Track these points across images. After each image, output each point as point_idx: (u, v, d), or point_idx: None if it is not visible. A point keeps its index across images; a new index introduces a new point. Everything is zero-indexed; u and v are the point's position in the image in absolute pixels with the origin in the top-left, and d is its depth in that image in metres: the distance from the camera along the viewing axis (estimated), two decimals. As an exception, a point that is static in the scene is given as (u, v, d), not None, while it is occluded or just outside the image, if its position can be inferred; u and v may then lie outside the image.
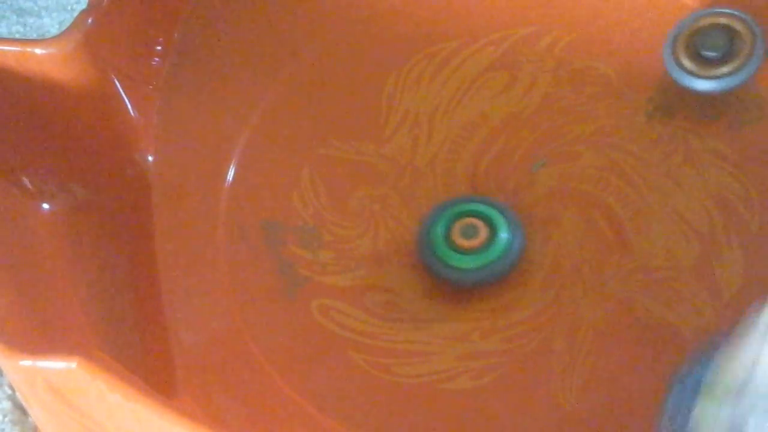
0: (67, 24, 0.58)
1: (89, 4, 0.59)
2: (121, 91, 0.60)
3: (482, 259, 0.56)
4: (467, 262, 0.56)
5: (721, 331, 0.53)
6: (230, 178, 0.60)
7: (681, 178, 0.58)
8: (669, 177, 0.58)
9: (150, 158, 0.60)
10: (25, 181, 0.58)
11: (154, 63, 0.61)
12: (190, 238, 0.59)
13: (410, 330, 0.56)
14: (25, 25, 0.75)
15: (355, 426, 0.54)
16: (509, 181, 0.59)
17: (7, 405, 0.58)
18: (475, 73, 0.62)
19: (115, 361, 0.47)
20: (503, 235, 0.57)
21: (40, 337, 0.50)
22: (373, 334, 0.56)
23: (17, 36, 0.74)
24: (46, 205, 0.58)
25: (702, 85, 0.57)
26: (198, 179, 0.61)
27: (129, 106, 0.60)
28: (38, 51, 0.56)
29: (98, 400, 0.46)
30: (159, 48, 0.62)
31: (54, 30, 0.73)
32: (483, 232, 0.57)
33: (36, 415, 0.53)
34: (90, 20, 0.58)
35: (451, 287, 0.57)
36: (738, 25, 0.57)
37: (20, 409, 0.58)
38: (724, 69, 0.57)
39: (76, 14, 0.59)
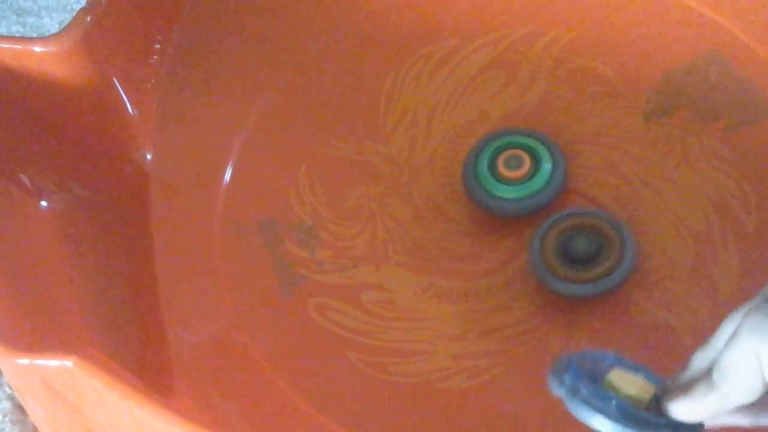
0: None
1: (88, 3, 0.59)
2: (119, 89, 0.60)
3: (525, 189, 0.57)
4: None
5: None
6: (228, 177, 0.60)
7: (678, 179, 0.58)
8: (666, 177, 0.58)
9: (148, 156, 0.61)
10: (24, 179, 0.58)
11: (152, 61, 0.61)
12: (188, 235, 0.59)
13: (407, 329, 0.56)
14: (24, 24, 0.75)
15: (352, 424, 0.54)
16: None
17: (7, 405, 0.58)
18: (474, 72, 0.62)
19: (111, 360, 0.47)
20: (546, 166, 0.57)
21: (38, 335, 0.50)
22: (370, 332, 0.56)
23: (17, 36, 0.74)
24: (44, 203, 0.58)
25: (574, 290, 0.55)
26: (196, 177, 0.61)
27: (127, 104, 0.60)
28: (37, 49, 0.57)
29: (95, 399, 0.46)
30: (157, 46, 0.62)
31: (54, 30, 0.73)
32: (527, 162, 0.57)
33: (33, 412, 0.53)
34: (89, 19, 0.58)
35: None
36: (606, 228, 0.56)
37: (20, 409, 0.58)
38: (596, 271, 0.55)
39: (75, 14, 0.59)
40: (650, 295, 0.55)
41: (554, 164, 0.57)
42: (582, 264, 0.55)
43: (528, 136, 0.58)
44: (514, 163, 0.57)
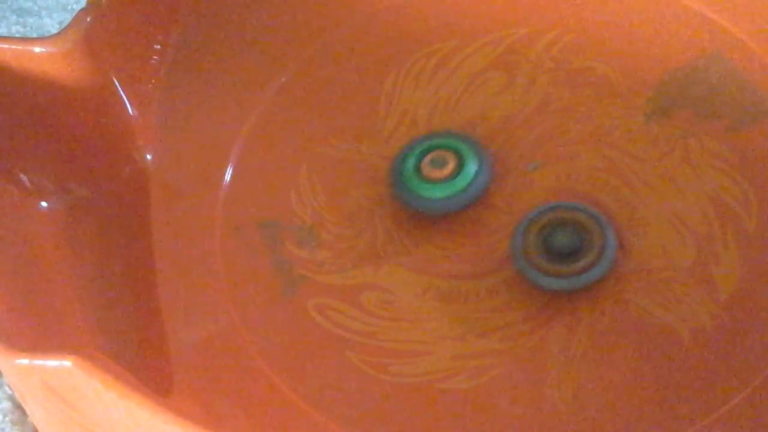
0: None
1: (88, 3, 0.59)
2: (119, 89, 0.60)
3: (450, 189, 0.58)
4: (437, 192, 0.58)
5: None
6: (228, 177, 0.60)
7: (678, 179, 0.58)
8: (666, 178, 0.58)
9: (148, 157, 0.61)
10: (24, 179, 0.58)
11: (152, 62, 0.62)
12: (188, 236, 0.59)
13: (407, 329, 0.56)
14: (25, 25, 0.75)
15: (351, 425, 0.54)
16: (507, 180, 0.59)
17: (7, 405, 0.58)
18: (474, 72, 0.62)
19: (111, 360, 0.47)
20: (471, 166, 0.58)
21: (36, 335, 0.50)
22: (370, 333, 0.56)
23: (17, 36, 0.74)
24: (44, 204, 0.58)
25: (554, 283, 0.55)
26: (196, 178, 0.61)
27: (127, 105, 0.60)
28: (36, 49, 0.57)
29: (94, 399, 0.46)
30: (158, 47, 0.62)
31: (54, 30, 0.73)
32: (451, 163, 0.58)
33: (33, 413, 0.53)
34: (89, 19, 0.58)
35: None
36: (585, 221, 0.56)
37: (20, 409, 0.58)
38: (577, 265, 0.56)
39: (76, 14, 0.59)
40: (650, 295, 0.55)
41: (480, 165, 0.58)
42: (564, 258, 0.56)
43: (452, 136, 0.59)
44: (439, 163, 0.58)
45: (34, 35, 0.74)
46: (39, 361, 0.46)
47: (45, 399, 0.48)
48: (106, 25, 0.58)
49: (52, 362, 0.45)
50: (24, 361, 0.46)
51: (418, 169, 0.58)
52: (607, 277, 0.55)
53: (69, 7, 0.75)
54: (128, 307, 0.57)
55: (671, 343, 0.54)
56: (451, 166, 0.58)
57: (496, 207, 0.59)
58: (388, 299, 0.57)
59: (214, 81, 0.62)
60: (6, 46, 0.56)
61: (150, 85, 0.61)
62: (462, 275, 0.57)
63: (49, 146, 0.59)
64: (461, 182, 0.58)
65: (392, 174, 0.59)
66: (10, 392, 0.59)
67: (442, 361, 0.55)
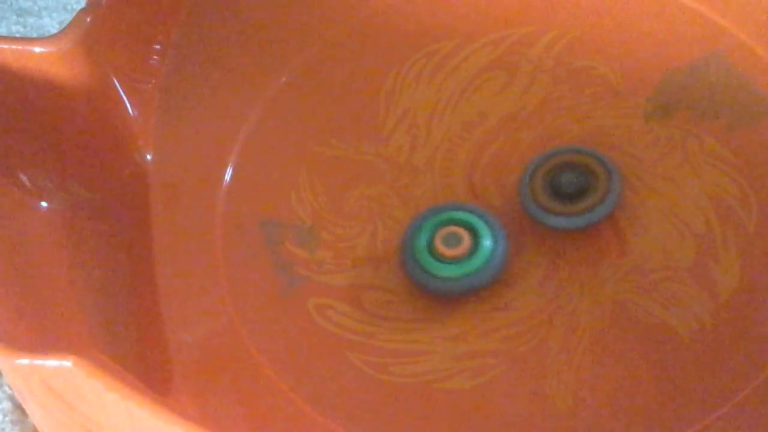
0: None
1: (88, 3, 0.59)
2: (119, 89, 0.60)
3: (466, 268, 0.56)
4: (450, 271, 0.56)
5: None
6: (228, 178, 0.60)
7: (678, 179, 0.58)
8: (666, 178, 0.58)
9: (148, 157, 0.61)
10: (24, 179, 0.58)
11: (152, 62, 0.62)
12: (188, 236, 0.59)
13: (407, 330, 0.56)
14: (25, 25, 0.75)
15: (352, 425, 0.54)
16: (507, 180, 0.59)
17: (7, 405, 0.58)
18: (474, 72, 0.62)
19: (111, 360, 0.47)
20: (486, 243, 0.56)
21: (37, 335, 0.50)
22: (370, 333, 0.56)
23: (17, 36, 0.74)
24: (44, 204, 0.58)
25: (559, 222, 0.56)
26: (196, 178, 0.61)
27: (128, 105, 0.60)
28: (36, 49, 0.57)
29: (94, 399, 0.46)
30: (158, 47, 0.62)
31: (54, 30, 0.73)
32: (466, 240, 0.56)
33: (33, 413, 0.53)
34: (89, 19, 0.58)
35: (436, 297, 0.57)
36: (593, 164, 0.57)
37: (20, 409, 0.58)
38: (581, 205, 0.56)
39: (76, 14, 0.59)
40: (650, 296, 0.55)
41: (494, 241, 0.56)
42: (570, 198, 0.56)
43: (468, 211, 0.58)
44: (453, 241, 0.56)
45: (34, 35, 0.74)
46: (39, 361, 0.45)
47: (45, 399, 0.48)
48: (106, 25, 0.58)
49: (52, 362, 0.45)
50: (24, 361, 0.46)
51: (431, 247, 0.57)
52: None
53: (69, 7, 0.75)
54: (128, 307, 0.57)
55: (671, 343, 0.54)
56: (466, 243, 0.56)
57: (496, 207, 0.59)
58: (388, 299, 0.57)
59: (214, 81, 0.62)
60: (6, 46, 0.56)
61: (150, 85, 0.61)
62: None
63: (49, 146, 0.59)
64: (478, 260, 0.56)
65: (403, 252, 0.57)
66: (10, 392, 0.59)
67: (442, 361, 0.55)
